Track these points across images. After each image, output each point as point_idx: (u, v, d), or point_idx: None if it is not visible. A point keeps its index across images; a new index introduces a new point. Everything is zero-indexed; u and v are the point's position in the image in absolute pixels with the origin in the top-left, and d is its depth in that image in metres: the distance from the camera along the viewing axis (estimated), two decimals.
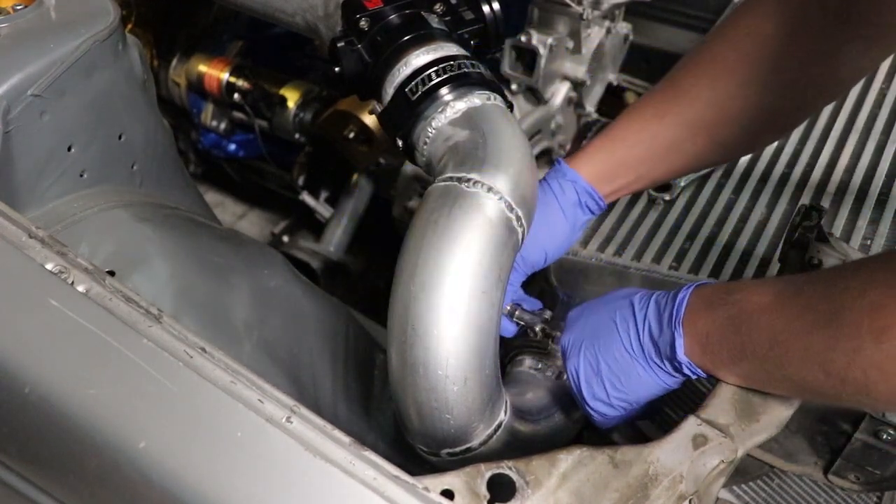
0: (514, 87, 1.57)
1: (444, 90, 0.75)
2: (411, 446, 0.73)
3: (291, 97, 1.74)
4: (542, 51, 1.49)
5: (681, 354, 0.68)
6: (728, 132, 0.85)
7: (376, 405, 1.03)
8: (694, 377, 0.71)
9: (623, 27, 1.64)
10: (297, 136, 1.77)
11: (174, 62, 1.80)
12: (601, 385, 0.74)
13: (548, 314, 0.90)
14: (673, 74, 0.87)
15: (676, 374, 0.71)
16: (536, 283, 1.08)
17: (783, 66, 0.80)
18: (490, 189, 0.68)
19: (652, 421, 0.90)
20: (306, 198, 1.88)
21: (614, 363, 0.73)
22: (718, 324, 0.67)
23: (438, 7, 0.83)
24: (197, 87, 1.79)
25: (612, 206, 1.14)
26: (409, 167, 1.62)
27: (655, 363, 0.71)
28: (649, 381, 0.72)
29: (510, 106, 0.78)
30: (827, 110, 1.24)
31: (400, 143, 0.78)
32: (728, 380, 0.69)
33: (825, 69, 0.81)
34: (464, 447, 0.70)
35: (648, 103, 0.88)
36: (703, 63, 0.85)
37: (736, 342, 0.65)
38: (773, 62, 0.80)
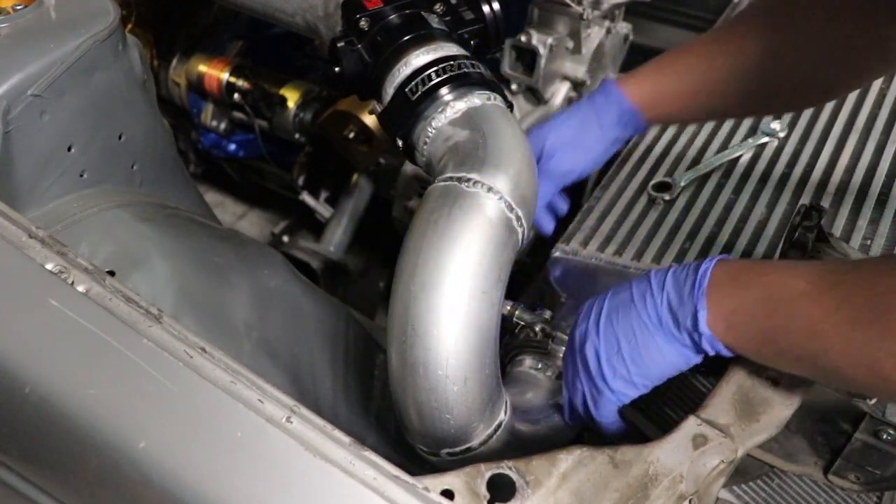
0: (514, 87, 1.57)
1: (444, 90, 0.75)
2: (411, 446, 0.73)
3: (291, 97, 1.74)
4: (542, 51, 1.49)
5: (703, 326, 0.67)
6: (776, 85, 0.86)
7: (376, 405, 1.03)
8: (712, 353, 0.69)
9: (623, 27, 1.64)
10: (297, 136, 1.77)
11: (174, 62, 1.80)
12: (622, 362, 0.72)
13: (548, 314, 0.90)
14: (728, 22, 0.89)
15: (696, 348, 0.70)
16: (536, 283, 1.08)
17: (839, 20, 0.80)
18: (490, 189, 0.68)
19: (651, 421, 0.90)
20: (306, 198, 1.88)
21: (633, 339, 0.71)
22: (748, 303, 0.66)
23: (438, 7, 0.83)
24: (197, 87, 1.79)
25: (611, 205, 1.14)
26: (409, 167, 1.62)
27: (675, 336, 0.70)
28: (670, 355, 0.71)
29: (510, 106, 0.78)
30: (827, 110, 1.24)
31: (400, 143, 0.78)
32: (750, 358, 0.68)
33: (878, 38, 0.81)
34: (464, 447, 0.70)
35: (702, 43, 0.90)
36: (758, 15, 0.86)
37: (767, 325, 0.64)
38: (829, 16, 0.80)
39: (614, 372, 0.73)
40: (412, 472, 0.55)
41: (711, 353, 0.70)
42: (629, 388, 0.73)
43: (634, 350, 0.72)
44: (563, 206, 1.04)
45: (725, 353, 0.69)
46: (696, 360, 0.72)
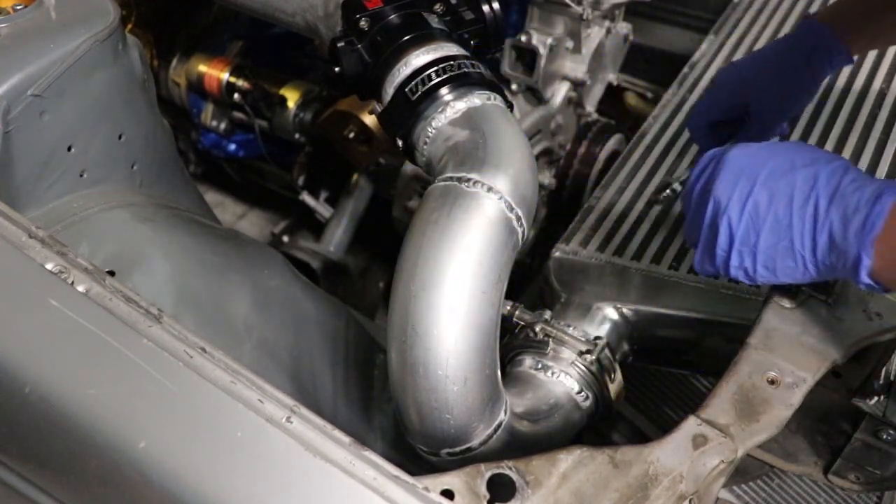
0: (514, 87, 1.57)
1: (444, 90, 0.75)
2: (411, 446, 0.73)
3: (291, 97, 1.73)
4: (542, 51, 1.48)
5: (864, 276, 0.62)
6: None
7: (376, 405, 1.03)
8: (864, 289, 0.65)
9: (623, 27, 1.64)
10: (297, 136, 1.77)
11: (174, 62, 1.80)
12: (752, 259, 0.68)
13: (548, 314, 0.90)
14: None
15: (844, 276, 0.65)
16: (536, 283, 1.08)
17: None
18: (490, 189, 0.68)
19: (652, 421, 0.91)
20: (306, 198, 1.87)
21: (774, 248, 0.67)
22: None
23: (438, 7, 0.83)
24: (197, 87, 1.79)
25: (611, 205, 1.14)
26: (409, 167, 1.62)
27: (824, 266, 0.65)
28: (808, 275, 0.67)
29: (510, 106, 0.78)
30: (828, 110, 1.24)
31: (400, 143, 0.78)
32: None
33: None
34: (464, 447, 0.70)
35: None
36: None
37: None
38: None
39: (740, 262, 0.69)
40: (412, 472, 0.55)
41: (864, 287, 0.65)
42: (745, 278, 0.70)
43: (769, 258, 0.68)
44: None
45: (882, 291, 0.65)
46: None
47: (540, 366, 0.87)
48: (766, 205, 0.67)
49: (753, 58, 0.99)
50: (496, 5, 0.84)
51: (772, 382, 0.72)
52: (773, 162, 0.69)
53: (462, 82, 0.75)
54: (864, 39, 0.94)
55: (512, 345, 0.90)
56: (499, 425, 0.72)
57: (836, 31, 0.92)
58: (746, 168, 0.69)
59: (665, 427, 0.68)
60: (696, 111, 0.99)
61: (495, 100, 0.76)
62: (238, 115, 1.81)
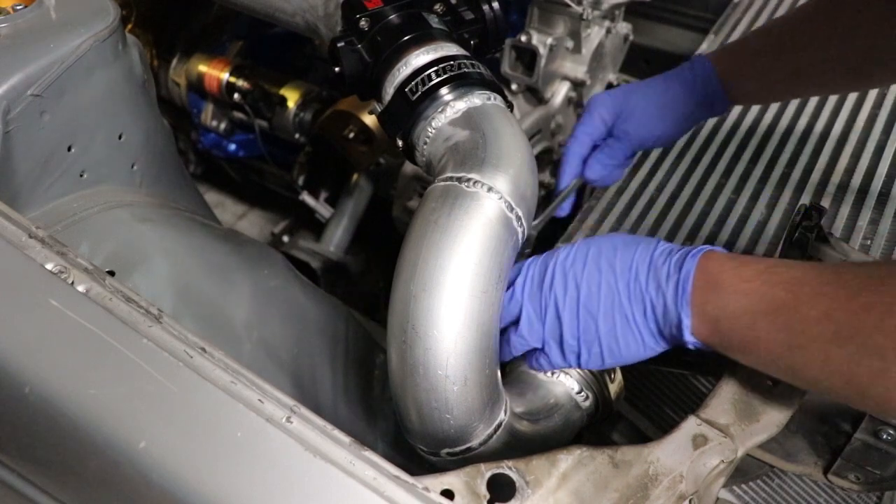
0: (514, 87, 1.57)
1: (444, 90, 0.75)
2: (411, 446, 0.73)
3: (291, 97, 1.74)
4: (542, 51, 1.49)
5: (688, 335, 0.67)
6: (870, 67, 0.87)
7: (376, 405, 1.03)
8: (695, 349, 0.69)
9: (623, 27, 1.64)
10: (297, 136, 1.77)
11: (174, 62, 1.80)
12: (599, 353, 0.72)
13: None
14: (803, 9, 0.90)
15: (679, 343, 0.69)
16: None
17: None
18: (490, 189, 0.68)
19: (652, 421, 0.91)
20: (306, 198, 1.88)
21: (613, 331, 0.71)
22: (730, 312, 0.65)
23: (438, 7, 0.83)
24: (197, 87, 1.79)
25: (612, 205, 1.14)
26: (409, 167, 1.62)
27: (661, 337, 0.70)
28: (650, 349, 0.71)
29: (510, 106, 0.78)
30: (827, 110, 1.25)
31: (400, 143, 0.78)
32: (742, 362, 0.68)
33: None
34: (464, 447, 0.70)
35: (786, 25, 0.91)
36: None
37: (749, 336, 0.64)
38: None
39: (588, 356, 0.73)
40: (412, 472, 0.55)
41: (694, 349, 0.69)
42: (599, 366, 0.73)
43: (612, 340, 0.71)
44: (622, 171, 1.03)
45: (710, 352, 0.69)
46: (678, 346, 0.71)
47: None
48: (596, 294, 0.71)
49: (637, 85, 1.00)
50: (496, 5, 0.84)
51: (772, 382, 0.72)
52: (592, 254, 0.73)
53: (462, 82, 0.75)
54: (748, 89, 0.96)
55: None
56: (499, 425, 0.72)
57: (721, 75, 0.94)
58: (571, 268, 0.74)
59: (665, 427, 0.68)
60: (575, 138, 1.01)
61: (495, 100, 0.76)
62: (238, 115, 1.82)
